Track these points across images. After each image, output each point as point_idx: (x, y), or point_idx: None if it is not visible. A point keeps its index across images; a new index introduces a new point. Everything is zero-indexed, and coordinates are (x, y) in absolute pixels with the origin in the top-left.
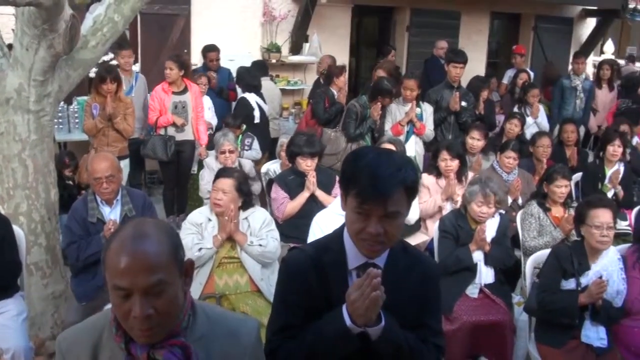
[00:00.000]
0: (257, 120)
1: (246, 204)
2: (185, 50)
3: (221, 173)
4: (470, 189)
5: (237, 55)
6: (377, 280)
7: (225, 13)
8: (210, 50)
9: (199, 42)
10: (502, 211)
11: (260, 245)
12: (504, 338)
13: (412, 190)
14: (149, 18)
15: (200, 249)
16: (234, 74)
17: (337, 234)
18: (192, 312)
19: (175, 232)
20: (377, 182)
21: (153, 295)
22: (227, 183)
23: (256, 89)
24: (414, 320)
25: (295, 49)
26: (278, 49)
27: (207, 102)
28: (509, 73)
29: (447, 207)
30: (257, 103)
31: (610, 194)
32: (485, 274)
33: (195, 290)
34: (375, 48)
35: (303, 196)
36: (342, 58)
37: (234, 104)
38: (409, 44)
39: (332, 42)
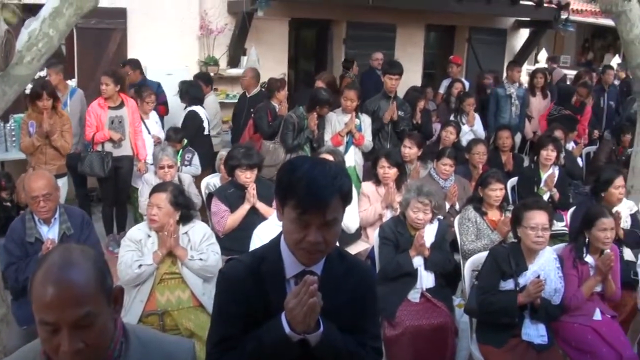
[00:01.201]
0: (206, 132)
1: (185, 218)
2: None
3: (155, 188)
4: (406, 196)
5: (174, 69)
6: (314, 287)
7: (162, 27)
8: (126, 65)
9: (135, 56)
10: (441, 217)
11: (201, 259)
12: (447, 340)
13: (347, 197)
14: (85, 32)
15: (140, 266)
16: (172, 88)
17: (274, 243)
18: (124, 339)
19: (102, 259)
20: (315, 192)
21: (82, 328)
22: (161, 198)
23: (201, 102)
24: (352, 325)
25: (233, 62)
26: (216, 62)
27: (154, 116)
28: (445, 83)
29: (387, 215)
30: (205, 115)
31: (546, 197)
32: (426, 279)
33: (137, 308)
34: (313, 60)
35: (243, 209)
36: (281, 71)
37: (165, 118)
38: (346, 55)
39: (270, 55)
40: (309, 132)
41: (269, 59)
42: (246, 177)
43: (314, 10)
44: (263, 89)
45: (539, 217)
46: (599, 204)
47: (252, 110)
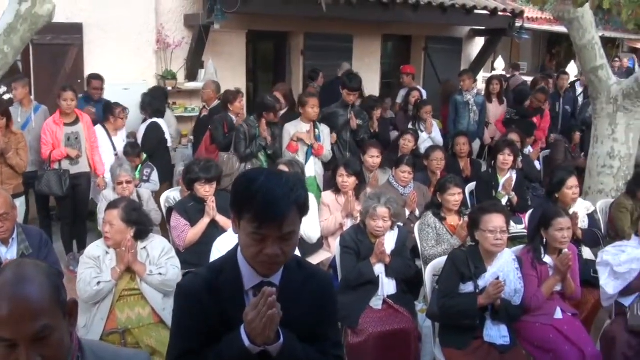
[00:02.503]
0: (169, 143)
1: (142, 233)
2: (79, 80)
3: (109, 205)
4: (365, 205)
5: (132, 84)
6: (272, 299)
7: (119, 42)
8: (94, 79)
9: (92, 71)
10: (400, 224)
11: (160, 274)
12: (410, 345)
13: (304, 208)
14: (41, 49)
15: (99, 283)
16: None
17: (231, 255)
18: (80, 354)
19: (56, 272)
20: (272, 206)
21: (39, 343)
22: (113, 215)
23: (163, 115)
24: (313, 334)
25: (191, 75)
26: (173, 76)
27: (123, 134)
28: (402, 92)
29: (348, 224)
30: (166, 127)
31: (504, 201)
32: (388, 285)
33: (97, 326)
34: (272, 72)
35: (204, 222)
36: (239, 83)
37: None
38: (304, 67)
39: (228, 68)
40: (262, 139)
41: (227, 71)
42: (205, 190)
43: (271, 23)
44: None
45: (496, 220)
46: (555, 205)
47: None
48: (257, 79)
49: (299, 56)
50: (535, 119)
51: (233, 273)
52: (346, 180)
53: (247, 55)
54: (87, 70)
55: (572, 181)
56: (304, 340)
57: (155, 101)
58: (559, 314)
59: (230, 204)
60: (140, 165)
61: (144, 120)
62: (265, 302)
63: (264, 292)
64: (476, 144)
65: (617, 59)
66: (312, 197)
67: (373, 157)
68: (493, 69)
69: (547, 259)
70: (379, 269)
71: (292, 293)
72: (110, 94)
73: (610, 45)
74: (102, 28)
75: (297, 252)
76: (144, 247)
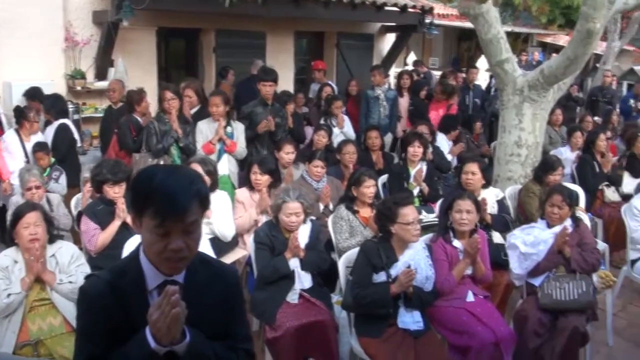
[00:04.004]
0: (79, 144)
1: (53, 237)
2: None
3: (23, 209)
4: (277, 200)
5: (40, 84)
6: (175, 297)
7: (25, 40)
8: None
9: None
10: (314, 217)
11: (71, 282)
12: (328, 337)
13: (205, 202)
14: None
15: (8, 295)
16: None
17: (133, 256)
18: None
19: None
20: (174, 199)
21: None
22: (35, 216)
23: (67, 115)
24: (221, 330)
25: (101, 74)
26: (82, 75)
27: (38, 138)
28: (314, 87)
29: (263, 220)
30: (74, 128)
31: (416, 192)
32: (303, 279)
33: (10, 339)
34: (184, 70)
35: (114, 225)
36: (151, 82)
37: None
38: (217, 64)
39: (138, 66)
40: (174, 133)
41: (138, 70)
42: (114, 192)
43: (181, 19)
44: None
45: (411, 213)
46: (460, 190)
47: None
48: (169, 77)
49: (211, 54)
50: (441, 111)
51: (136, 274)
52: (259, 178)
53: (158, 53)
54: None
55: (469, 167)
56: (212, 338)
57: (58, 102)
58: (470, 297)
59: (130, 204)
60: (48, 169)
61: (48, 123)
62: (169, 301)
63: (167, 291)
64: (389, 137)
65: (524, 52)
66: (225, 195)
67: (288, 153)
68: (405, 64)
69: (457, 243)
70: (294, 264)
71: (197, 291)
72: (17, 95)
73: (520, 40)
74: (7, 26)
75: (211, 251)
76: (53, 255)
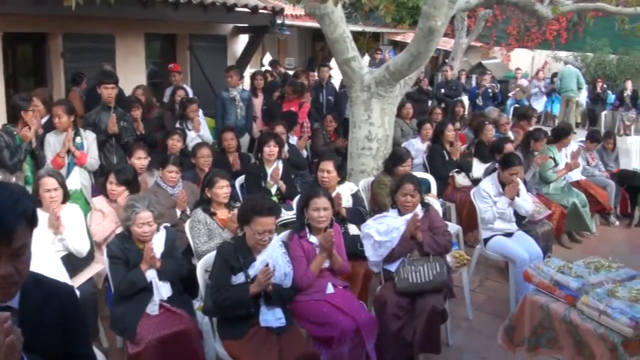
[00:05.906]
0: None
1: None
2: None
3: None
4: (124, 213)
5: None
6: (8, 324)
7: None
8: None
9: None
10: (167, 224)
11: None
12: (192, 345)
13: (32, 220)
14: None
15: None
16: None
17: None
18: None
19: None
20: None
21: None
22: None
23: None
24: (62, 352)
25: None
26: None
27: None
28: (167, 91)
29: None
30: None
31: (274, 190)
32: (162, 289)
33: None
34: (33, 77)
35: None
36: None
37: None
38: (66, 70)
39: None
40: (27, 145)
41: None
42: None
43: (27, 24)
44: None
45: (266, 223)
46: (316, 186)
47: None
48: (18, 85)
49: (59, 59)
50: (293, 109)
51: None
52: (114, 188)
53: (4, 59)
54: None
55: (323, 165)
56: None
57: None
58: (330, 289)
59: None
60: None
61: None
62: (2, 330)
63: None
64: (245, 138)
65: (379, 51)
66: (77, 209)
67: (140, 158)
68: (262, 64)
69: (313, 238)
70: (151, 274)
71: (33, 314)
72: None
73: (372, 39)
74: None
75: (64, 270)
76: None
